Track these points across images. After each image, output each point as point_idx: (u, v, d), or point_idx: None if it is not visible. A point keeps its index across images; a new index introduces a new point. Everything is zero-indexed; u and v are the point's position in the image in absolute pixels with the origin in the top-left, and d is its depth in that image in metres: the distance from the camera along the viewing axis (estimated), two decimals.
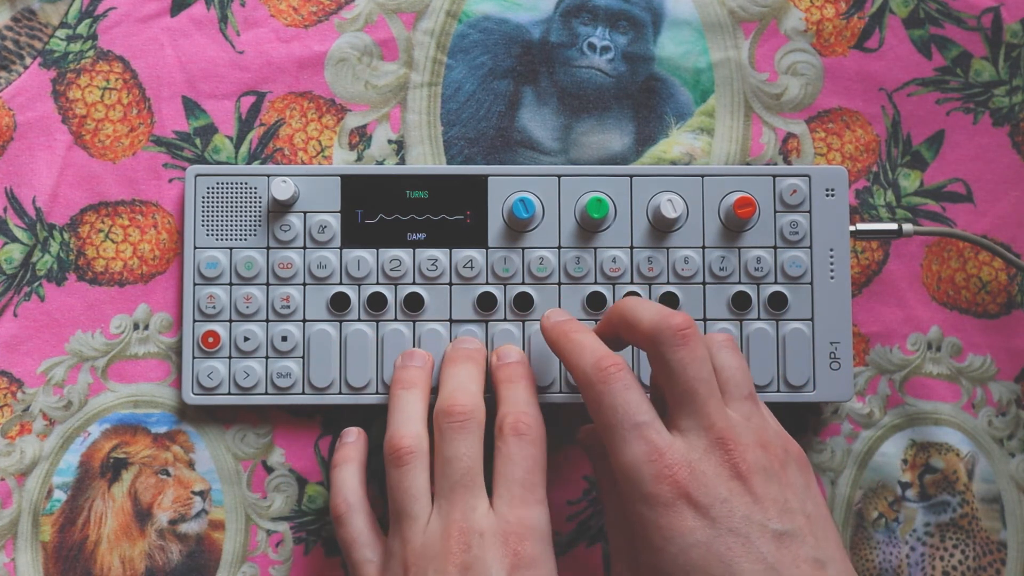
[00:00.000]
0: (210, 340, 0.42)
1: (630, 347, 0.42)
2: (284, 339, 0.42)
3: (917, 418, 0.45)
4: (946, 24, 0.46)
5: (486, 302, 0.42)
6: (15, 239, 0.44)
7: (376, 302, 0.42)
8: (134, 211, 0.44)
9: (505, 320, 0.43)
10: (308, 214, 0.43)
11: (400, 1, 0.45)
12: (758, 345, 0.43)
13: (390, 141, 0.45)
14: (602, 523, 0.44)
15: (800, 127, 0.46)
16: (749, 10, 0.46)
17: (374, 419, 0.44)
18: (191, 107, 0.45)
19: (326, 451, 0.44)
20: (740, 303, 0.43)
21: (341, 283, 0.43)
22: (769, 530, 0.33)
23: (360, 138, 0.45)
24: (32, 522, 0.43)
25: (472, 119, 0.45)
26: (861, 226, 0.43)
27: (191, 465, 0.44)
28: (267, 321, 0.43)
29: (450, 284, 0.43)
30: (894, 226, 0.43)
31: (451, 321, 0.43)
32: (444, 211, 0.43)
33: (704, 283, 0.43)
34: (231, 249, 0.43)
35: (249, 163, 0.44)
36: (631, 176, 0.43)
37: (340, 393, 0.42)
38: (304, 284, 0.43)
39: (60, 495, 0.43)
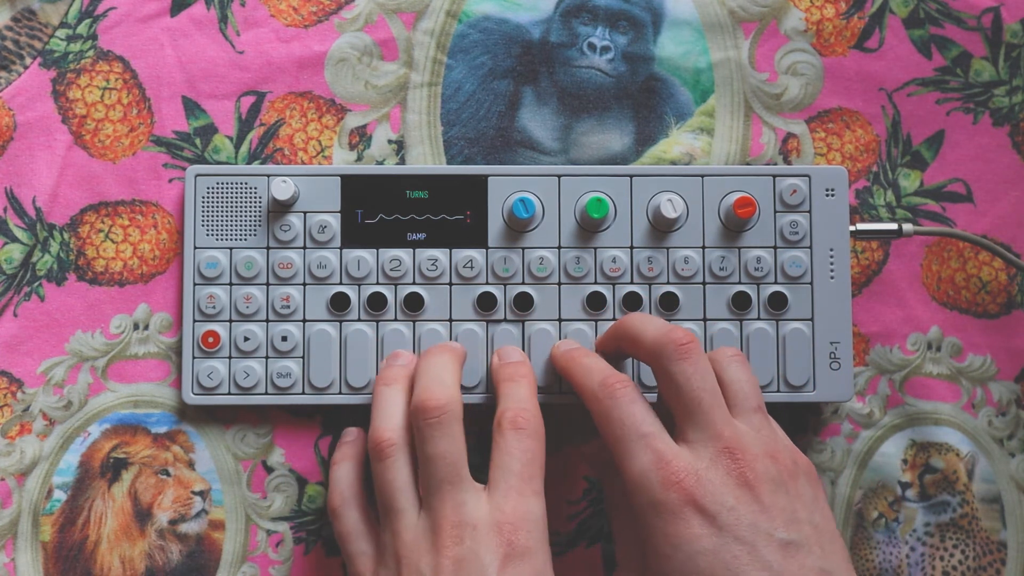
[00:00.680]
0: (210, 340, 0.42)
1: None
2: (284, 339, 0.42)
3: (917, 418, 0.45)
4: (946, 24, 0.46)
5: (486, 302, 0.42)
6: (15, 239, 0.44)
7: (376, 302, 0.42)
8: (134, 211, 0.44)
9: (505, 320, 0.43)
10: (308, 214, 0.43)
11: (400, 1, 0.45)
12: (758, 345, 0.43)
13: (390, 141, 0.45)
14: (602, 523, 0.44)
15: (800, 127, 0.46)
16: (749, 10, 0.46)
17: None
18: (191, 107, 0.45)
19: (326, 451, 0.44)
20: (740, 303, 0.43)
21: (341, 283, 0.43)
22: (776, 539, 0.33)
23: (360, 138, 0.45)
24: (32, 522, 0.43)
25: (472, 119, 0.45)
26: (861, 226, 0.43)
27: (191, 465, 0.44)
28: (267, 321, 0.43)
29: (450, 284, 0.43)
30: (894, 226, 0.43)
31: (451, 321, 0.43)
32: (444, 211, 0.43)
33: (704, 283, 0.43)
34: (231, 249, 0.43)
35: (249, 163, 0.44)
36: (631, 176, 0.43)
37: (340, 393, 0.42)
38: (304, 284, 0.43)
39: (60, 495, 0.43)
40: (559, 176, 0.43)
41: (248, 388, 0.42)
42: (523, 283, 0.43)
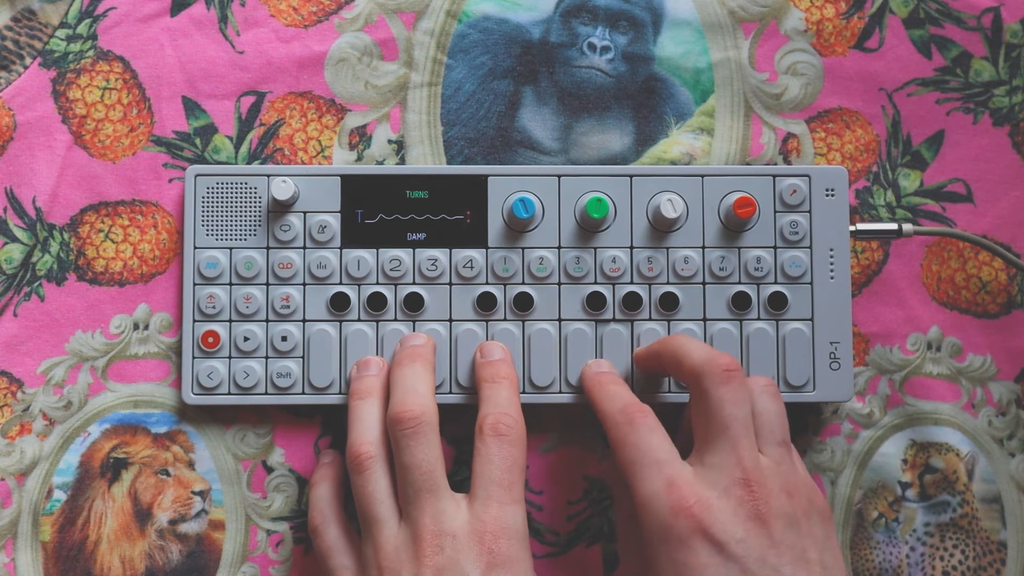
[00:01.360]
0: (210, 340, 0.42)
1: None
2: (284, 339, 0.42)
3: (917, 418, 0.45)
4: (946, 24, 0.46)
5: (486, 302, 0.42)
6: (15, 239, 0.44)
7: (376, 302, 0.42)
8: (134, 211, 0.44)
9: (505, 320, 0.43)
10: (308, 214, 0.43)
11: (400, 1, 0.45)
12: (758, 345, 0.43)
13: (390, 141, 0.45)
14: (602, 523, 0.44)
15: (800, 127, 0.46)
16: (749, 10, 0.46)
17: None
18: (191, 107, 0.45)
19: None
20: (740, 303, 0.43)
21: (341, 283, 0.43)
22: None
23: (360, 138, 0.45)
24: (32, 522, 0.43)
25: (472, 119, 0.45)
26: (861, 226, 0.43)
27: (191, 465, 0.44)
28: (267, 321, 0.43)
29: (450, 284, 0.43)
30: (894, 226, 0.43)
31: (451, 321, 0.43)
32: (444, 211, 0.43)
33: (704, 283, 0.43)
34: (231, 249, 0.43)
35: (249, 163, 0.44)
36: (631, 176, 0.43)
37: (340, 393, 0.42)
38: (304, 284, 0.43)
39: (60, 495, 0.43)
40: (559, 176, 0.43)
41: (248, 388, 0.42)
42: (523, 283, 0.43)
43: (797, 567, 0.33)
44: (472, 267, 0.43)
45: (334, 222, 0.43)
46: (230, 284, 0.43)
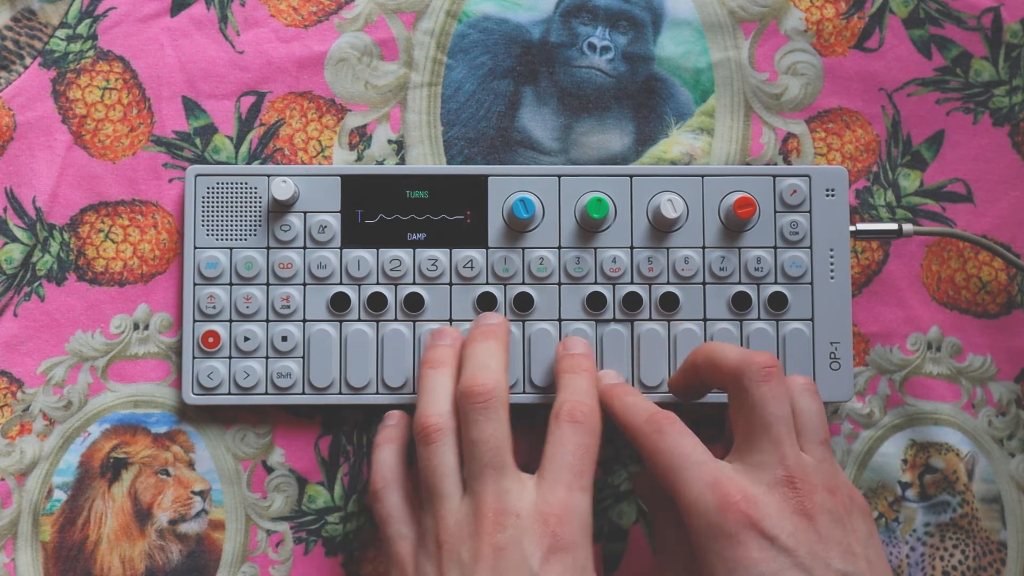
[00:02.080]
0: (210, 340, 0.42)
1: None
2: (284, 339, 0.42)
3: (917, 418, 0.45)
4: (946, 24, 0.46)
5: (486, 302, 0.42)
6: (15, 239, 0.44)
7: (376, 302, 0.42)
8: (134, 211, 0.44)
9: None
10: (308, 214, 0.43)
11: (400, 1, 0.45)
12: (758, 345, 0.43)
13: (390, 141, 0.45)
14: (602, 523, 0.44)
15: (800, 127, 0.46)
16: (749, 10, 0.46)
17: (374, 419, 0.44)
18: (191, 107, 0.45)
19: (326, 451, 0.44)
20: (740, 303, 0.43)
21: (341, 283, 0.43)
22: (833, 569, 0.33)
23: (360, 138, 0.45)
24: (32, 522, 0.43)
25: (472, 119, 0.45)
26: (861, 226, 0.43)
27: (191, 465, 0.44)
28: (267, 321, 0.43)
29: (450, 284, 0.43)
30: (894, 226, 0.43)
31: (451, 321, 0.43)
32: (444, 211, 0.43)
33: (704, 283, 0.43)
34: (231, 249, 0.43)
35: (249, 163, 0.44)
36: (631, 176, 0.43)
37: (340, 393, 0.42)
38: (304, 284, 0.43)
39: (60, 495, 0.43)
40: (559, 176, 0.43)
41: (248, 388, 0.42)
42: (523, 283, 0.43)
43: (846, 561, 0.33)
44: (472, 267, 0.43)
45: (334, 222, 0.43)
46: (230, 284, 0.43)
